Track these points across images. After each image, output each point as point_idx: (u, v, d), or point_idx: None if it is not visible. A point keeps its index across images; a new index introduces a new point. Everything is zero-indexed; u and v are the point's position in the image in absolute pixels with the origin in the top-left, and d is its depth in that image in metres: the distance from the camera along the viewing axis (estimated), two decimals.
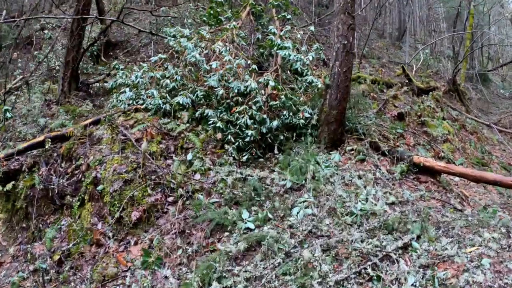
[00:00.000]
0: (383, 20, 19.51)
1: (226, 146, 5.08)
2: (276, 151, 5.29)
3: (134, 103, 5.83)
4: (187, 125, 5.37)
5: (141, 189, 4.33)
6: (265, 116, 5.17)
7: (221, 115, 5.29)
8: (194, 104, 5.61)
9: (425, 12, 20.50)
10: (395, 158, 5.24)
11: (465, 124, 9.53)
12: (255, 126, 5.11)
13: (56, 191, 4.77)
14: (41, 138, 5.21)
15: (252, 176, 4.71)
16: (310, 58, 5.86)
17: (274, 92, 5.42)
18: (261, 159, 5.18)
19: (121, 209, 4.24)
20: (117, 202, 4.30)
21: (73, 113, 6.72)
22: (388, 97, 8.28)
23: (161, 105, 5.50)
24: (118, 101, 5.99)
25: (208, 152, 5.05)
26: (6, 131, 6.12)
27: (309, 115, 5.54)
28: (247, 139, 5.02)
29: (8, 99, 7.25)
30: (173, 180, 4.53)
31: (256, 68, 5.75)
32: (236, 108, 5.20)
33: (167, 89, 5.66)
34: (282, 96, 5.38)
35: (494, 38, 19.07)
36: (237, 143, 5.06)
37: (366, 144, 5.50)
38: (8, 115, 5.95)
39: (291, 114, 5.47)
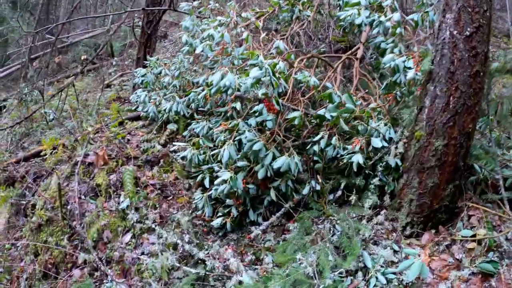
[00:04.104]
0: None
1: (196, 193, 3.38)
2: (271, 216, 3.03)
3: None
4: (160, 147, 3.99)
5: (57, 235, 3.35)
6: (259, 143, 2.82)
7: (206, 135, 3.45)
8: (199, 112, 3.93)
9: None
10: None
11: None
12: (239, 164, 2.99)
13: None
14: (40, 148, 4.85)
15: (204, 264, 2.69)
16: (396, 18, 3.00)
17: (268, 95, 2.88)
18: (257, 226, 3.07)
19: (34, 253, 3.38)
20: (33, 243, 3.45)
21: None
22: None
23: (154, 113, 4.18)
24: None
25: (171, 197, 3.56)
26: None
27: (383, 144, 2.82)
28: (220, 188, 2.94)
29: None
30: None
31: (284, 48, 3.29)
32: (226, 124, 3.08)
33: (173, 88, 4.17)
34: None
35: None
36: (213, 191, 3.13)
37: None
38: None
39: (336, 140, 2.86)
